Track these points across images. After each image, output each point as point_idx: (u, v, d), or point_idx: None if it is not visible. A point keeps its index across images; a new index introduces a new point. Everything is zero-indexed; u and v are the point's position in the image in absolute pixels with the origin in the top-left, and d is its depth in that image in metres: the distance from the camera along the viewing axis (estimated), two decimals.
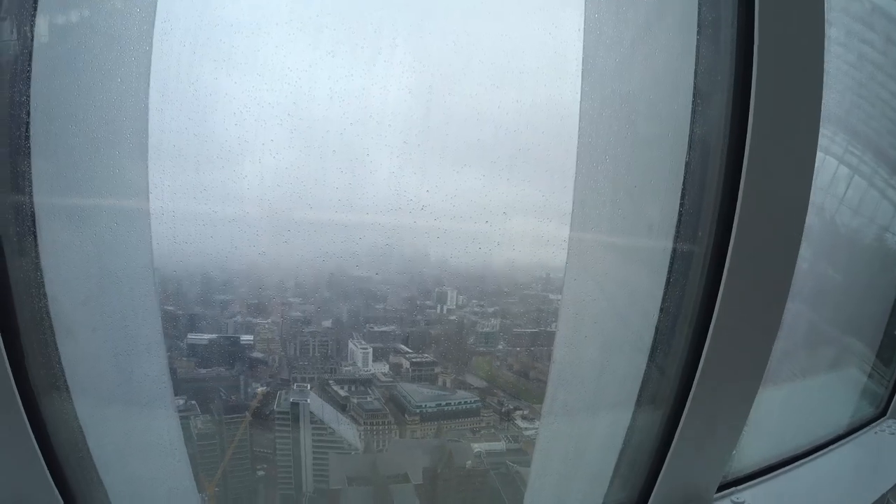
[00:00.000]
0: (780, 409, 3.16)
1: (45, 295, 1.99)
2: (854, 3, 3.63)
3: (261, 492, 5.42)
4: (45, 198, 1.96)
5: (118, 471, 2.37)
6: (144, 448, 2.56)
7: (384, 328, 5.08)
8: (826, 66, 1.94)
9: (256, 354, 5.02)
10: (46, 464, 2.02)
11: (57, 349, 2.06)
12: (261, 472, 5.34)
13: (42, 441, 1.99)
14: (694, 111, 2.11)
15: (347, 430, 5.32)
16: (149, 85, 2.14)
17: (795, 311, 2.24)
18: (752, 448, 2.78)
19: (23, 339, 1.89)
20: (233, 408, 5.02)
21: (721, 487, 2.62)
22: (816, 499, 2.89)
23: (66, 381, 2.12)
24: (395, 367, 5.31)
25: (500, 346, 5.39)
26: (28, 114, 1.88)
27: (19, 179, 1.90)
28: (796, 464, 2.98)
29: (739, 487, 2.70)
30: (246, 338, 4.84)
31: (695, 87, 2.10)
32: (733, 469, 2.65)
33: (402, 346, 5.24)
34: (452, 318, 5.09)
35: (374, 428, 5.36)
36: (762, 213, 1.96)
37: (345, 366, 5.24)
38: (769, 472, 2.86)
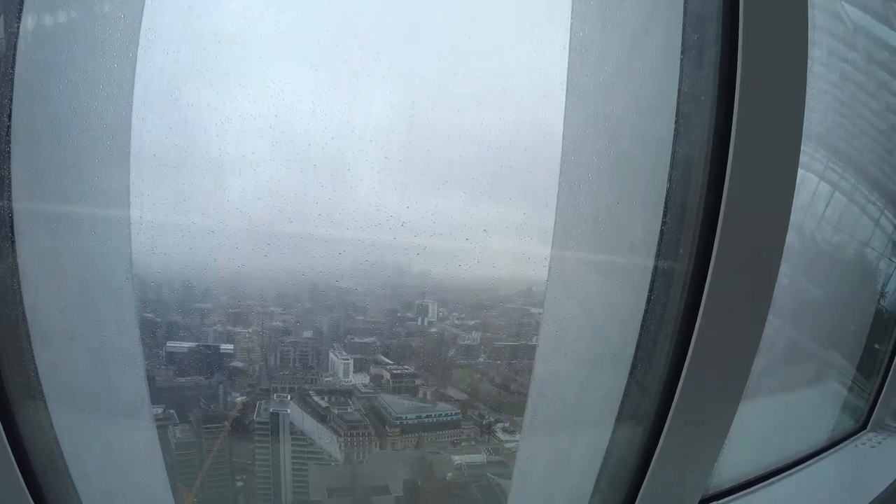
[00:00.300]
0: (760, 424, 3.17)
1: (21, 302, 1.97)
2: (836, 23, 3.69)
3: (240, 503, 5.37)
4: (25, 204, 1.94)
5: (95, 481, 2.34)
6: (122, 458, 2.53)
7: (365, 339, 5.08)
8: (808, 85, 1.97)
9: (236, 364, 4.99)
10: (22, 474, 1.99)
11: (33, 357, 2.04)
12: (240, 483, 5.30)
13: (17, 451, 1.96)
14: (677, 131, 2.13)
15: (327, 441, 5.30)
16: (132, 93, 2.13)
17: (776, 326, 2.26)
18: (733, 462, 2.79)
19: None
20: (211, 418, 4.99)
21: (702, 502, 2.63)
22: None
23: (42, 389, 2.10)
24: (376, 379, 5.31)
25: (481, 359, 5.39)
26: (9, 117, 1.86)
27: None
28: (777, 478, 3.00)
29: (720, 502, 2.71)
30: (226, 347, 4.82)
31: (678, 107, 2.12)
32: (714, 483, 2.66)
33: (383, 358, 5.23)
34: (433, 330, 5.09)
35: (355, 439, 5.34)
36: (743, 230, 1.98)
37: (325, 376, 5.23)
38: (750, 486, 2.87)
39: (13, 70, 1.85)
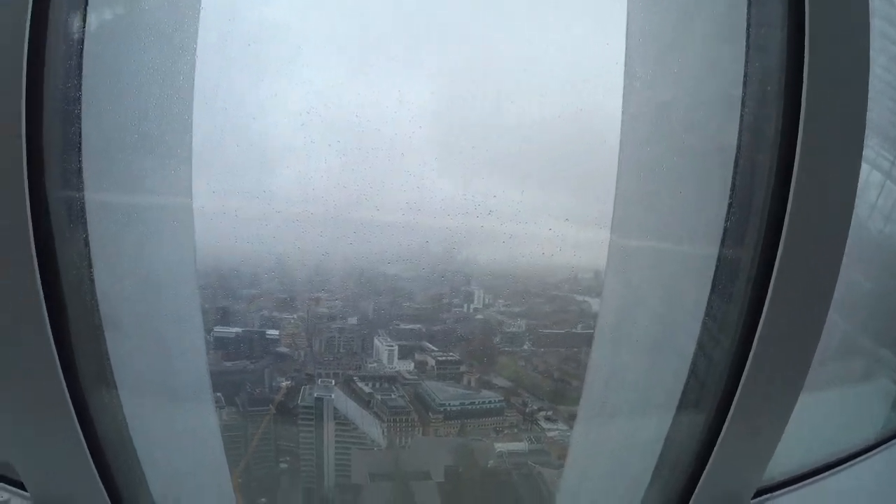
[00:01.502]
0: (814, 418, 3.12)
1: (94, 290, 2.03)
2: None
3: (283, 484, 5.46)
4: (96, 195, 1.98)
5: (159, 462, 2.41)
6: (185, 440, 2.60)
7: (411, 326, 5.11)
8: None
9: (282, 349, 5.07)
10: (91, 454, 2.06)
11: (105, 343, 2.10)
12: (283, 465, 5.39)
13: (87, 433, 2.02)
14: (742, 118, 2.09)
15: (371, 427, 5.35)
16: (193, 87, 2.17)
17: (830, 321, 2.22)
18: (786, 456, 2.75)
19: (72, 334, 1.92)
20: (258, 401, 5.07)
21: (756, 494, 2.60)
22: None
23: (112, 375, 2.15)
24: (421, 365, 5.34)
25: (526, 347, 5.39)
26: (79, 111, 1.90)
27: (71, 177, 1.93)
28: (829, 472, 2.95)
29: (773, 494, 2.68)
30: (272, 332, 4.89)
31: (744, 94, 2.08)
32: (766, 476, 2.63)
33: (428, 344, 5.26)
34: (479, 317, 5.10)
35: (398, 425, 5.38)
36: (811, 219, 1.94)
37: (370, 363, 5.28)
38: (803, 480, 2.83)
39: (81, 64, 1.89)
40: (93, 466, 2.08)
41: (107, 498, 2.16)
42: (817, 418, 3.10)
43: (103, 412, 2.13)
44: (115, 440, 2.20)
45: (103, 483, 2.13)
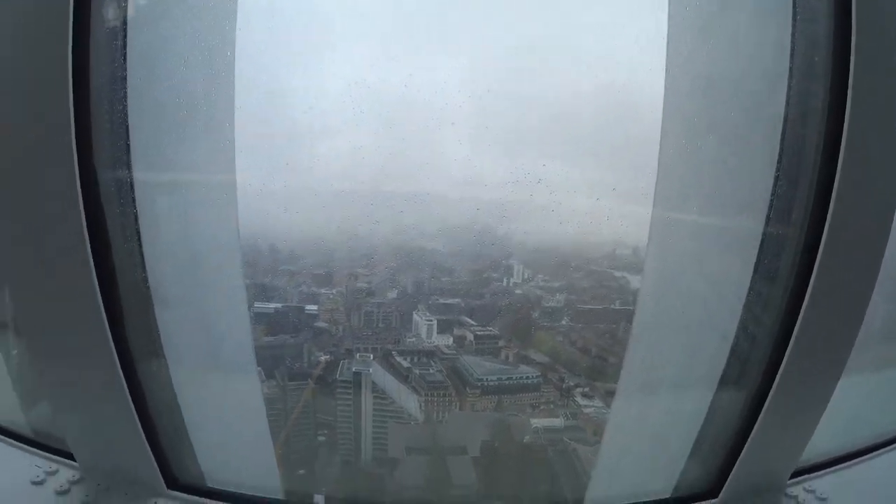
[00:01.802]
0: (854, 400, 3.07)
1: (144, 267, 2.07)
2: None
3: (321, 456, 5.55)
4: (143, 173, 2.01)
5: (205, 432, 2.46)
6: (230, 411, 2.65)
7: (449, 301, 5.13)
8: None
9: (321, 324, 5.12)
10: (140, 421, 2.11)
11: (154, 317, 2.14)
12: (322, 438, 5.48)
13: (138, 404, 2.07)
14: (790, 91, 2.04)
15: (408, 401, 5.40)
16: (234, 64, 2.18)
17: (873, 302, 2.16)
18: (825, 437, 2.71)
19: (123, 308, 1.96)
20: (298, 374, 5.15)
21: (793, 475, 2.58)
22: (891, 491, 2.81)
23: (161, 347, 2.20)
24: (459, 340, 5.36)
25: (565, 322, 5.38)
26: (125, 91, 1.93)
27: (119, 155, 1.96)
28: (868, 456, 2.90)
29: (812, 475, 2.65)
30: (310, 308, 4.94)
31: (791, 65, 2.02)
32: (805, 457, 2.60)
33: (467, 319, 5.28)
34: (518, 292, 5.10)
35: (435, 400, 5.43)
36: (858, 196, 1.88)
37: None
38: (842, 462, 2.79)
39: (125, 44, 1.91)
40: (143, 436, 2.13)
41: (156, 466, 2.22)
42: (858, 401, 3.04)
43: (153, 383, 2.18)
44: (164, 411, 2.26)
45: (151, 450, 2.19)
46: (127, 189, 2.00)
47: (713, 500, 2.48)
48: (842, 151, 1.84)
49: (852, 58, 1.79)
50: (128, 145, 1.98)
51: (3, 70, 1.59)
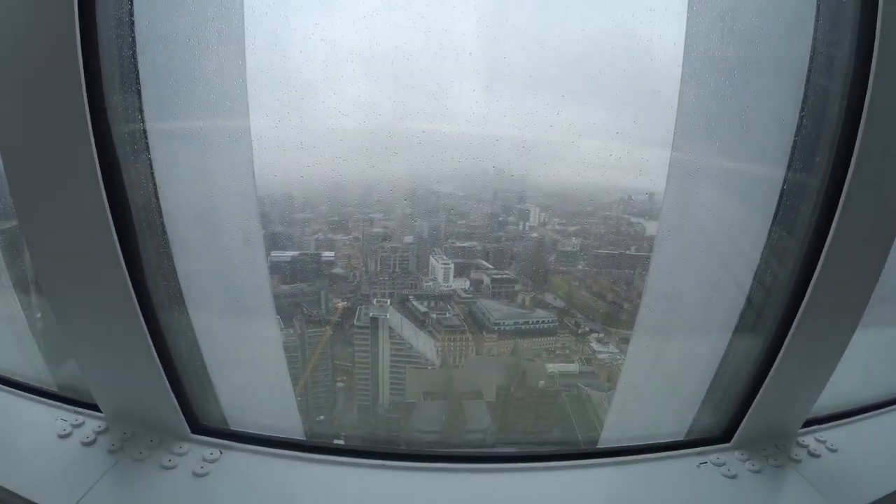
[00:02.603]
0: (868, 354, 3.06)
1: (160, 212, 2.07)
2: None
3: (340, 402, 5.66)
4: (156, 123, 2.00)
5: (227, 377, 2.51)
6: (250, 355, 2.70)
7: (465, 244, 5.12)
8: None
9: (344, 270, 5.15)
10: (164, 370, 2.15)
11: (173, 263, 2.16)
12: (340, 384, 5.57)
13: (160, 350, 2.11)
14: (815, 34, 1.97)
15: (425, 346, 5.46)
16: (243, 10, 2.14)
17: (892, 258, 2.13)
18: (838, 389, 2.71)
19: (141, 255, 1.97)
20: (315, 321, 5.21)
21: (805, 424, 2.60)
22: None
23: (181, 294, 2.22)
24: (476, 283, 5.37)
25: (580, 266, 5.38)
26: (133, 35, 1.90)
27: (130, 107, 1.94)
28: (882, 410, 2.91)
29: (823, 426, 2.66)
30: (328, 254, 4.96)
31: (817, 10, 1.95)
32: (817, 408, 2.61)
33: (483, 262, 5.28)
34: (534, 235, 5.08)
35: (451, 344, 5.48)
36: (881, 149, 1.84)
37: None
38: (853, 416, 2.80)
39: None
40: (167, 383, 2.17)
41: (180, 412, 2.27)
42: (872, 354, 3.04)
43: (174, 331, 2.21)
44: (186, 358, 2.29)
45: (175, 397, 2.24)
46: (141, 138, 1.99)
47: (725, 444, 2.51)
48: (867, 100, 1.80)
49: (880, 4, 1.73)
50: (139, 91, 1.96)
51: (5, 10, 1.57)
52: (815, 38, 1.99)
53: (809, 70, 2.02)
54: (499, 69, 3.03)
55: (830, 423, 2.69)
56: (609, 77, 3.10)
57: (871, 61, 1.76)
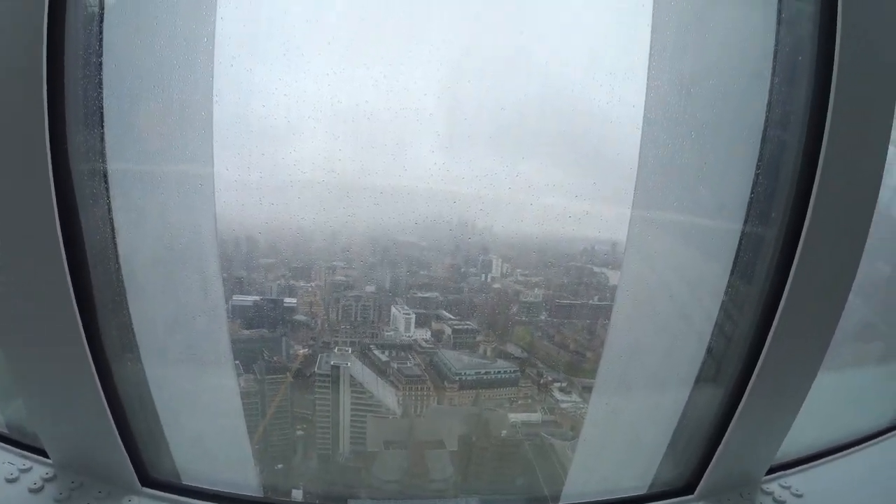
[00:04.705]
0: (829, 398, 3.10)
1: (118, 258, 2.04)
2: None
3: (299, 450, 5.53)
4: (118, 164, 1.98)
5: (180, 427, 2.44)
6: (205, 406, 2.64)
7: (427, 294, 5.10)
8: None
9: (299, 317, 5.10)
10: (114, 420, 2.09)
11: (128, 310, 2.12)
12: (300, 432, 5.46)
13: (111, 399, 2.05)
14: (771, 92, 2.05)
15: (387, 395, 5.40)
16: (213, 54, 2.15)
17: (849, 303, 2.18)
18: (800, 435, 2.74)
19: (96, 301, 1.93)
20: (276, 368, 5.12)
21: (769, 471, 2.62)
22: (866, 488, 2.85)
23: (135, 341, 2.18)
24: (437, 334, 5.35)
25: (542, 317, 5.39)
26: (100, 81, 1.90)
27: (94, 145, 1.92)
28: (842, 453, 2.95)
29: (787, 472, 2.69)
30: (289, 301, 4.92)
31: (774, 69, 2.03)
32: (781, 454, 2.63)
33: (445, 313, 5.26)
34: (496, 286, 5.09)
35: (413, 393, 5.42)
36: (836, 202, 1.91)
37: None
38: (817, 459, 2.83)
39: (101, 30, 1.87)
40: (117, 433, 2.11)
41: (130, 464, 2.20)
42: (833, 398, 3.09)
43: (126, 378, 2.16)
44: (137, 406, 2.24)
45: (126, 448, 2.17)
46: (101, 180, 1.97)
47: (689, 496, 2.51)
48: (822, 155, 1.86)
49: (836, 60, 1.80)
50: (102, 136, 1.94)
51: None
52: (770, 94, 2.07)
53: (766, 125, 2.09)
54: (459, 129, 3.08)
55: (795, 469, 2.72)
56: (569, 137, 3.17)
57: (826, 113, 1.83)
